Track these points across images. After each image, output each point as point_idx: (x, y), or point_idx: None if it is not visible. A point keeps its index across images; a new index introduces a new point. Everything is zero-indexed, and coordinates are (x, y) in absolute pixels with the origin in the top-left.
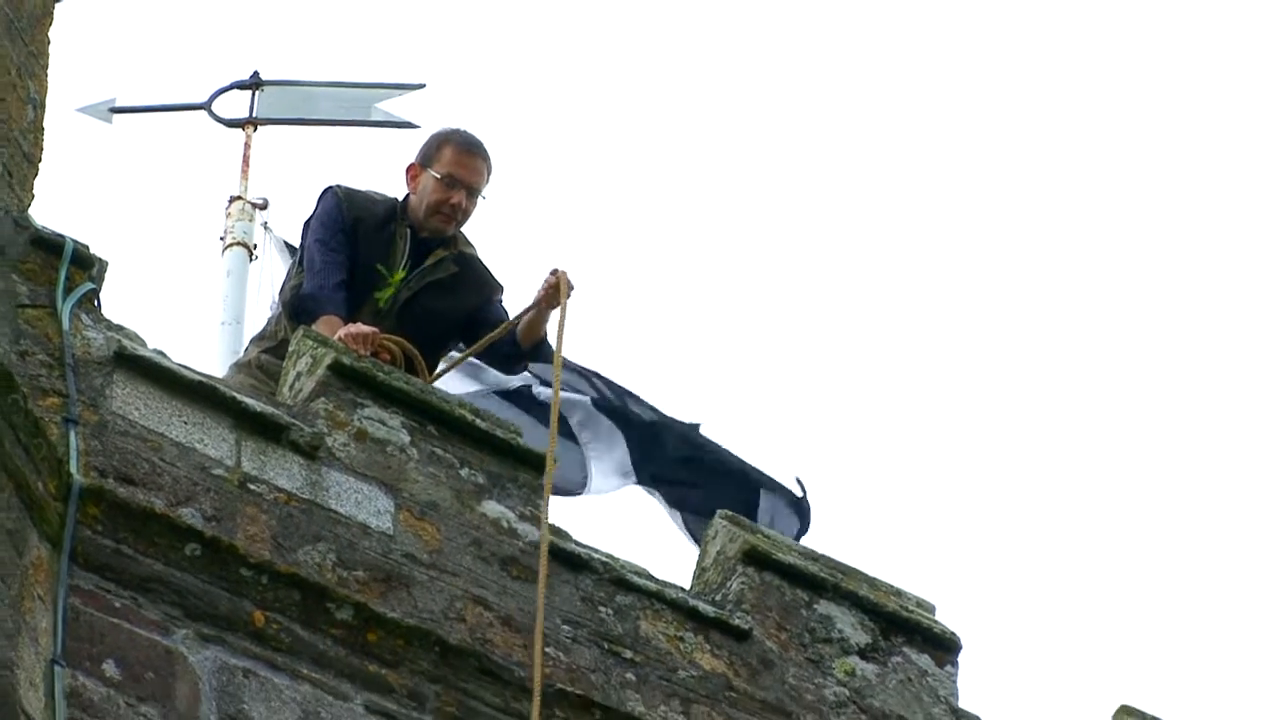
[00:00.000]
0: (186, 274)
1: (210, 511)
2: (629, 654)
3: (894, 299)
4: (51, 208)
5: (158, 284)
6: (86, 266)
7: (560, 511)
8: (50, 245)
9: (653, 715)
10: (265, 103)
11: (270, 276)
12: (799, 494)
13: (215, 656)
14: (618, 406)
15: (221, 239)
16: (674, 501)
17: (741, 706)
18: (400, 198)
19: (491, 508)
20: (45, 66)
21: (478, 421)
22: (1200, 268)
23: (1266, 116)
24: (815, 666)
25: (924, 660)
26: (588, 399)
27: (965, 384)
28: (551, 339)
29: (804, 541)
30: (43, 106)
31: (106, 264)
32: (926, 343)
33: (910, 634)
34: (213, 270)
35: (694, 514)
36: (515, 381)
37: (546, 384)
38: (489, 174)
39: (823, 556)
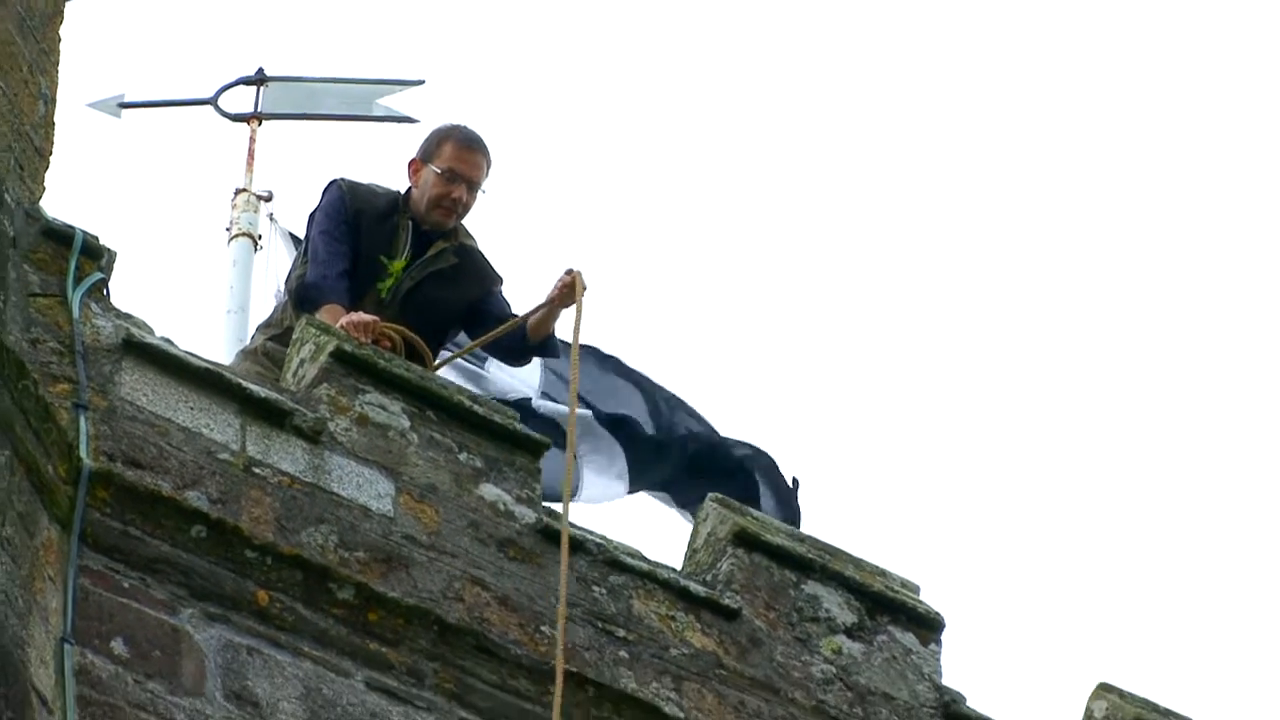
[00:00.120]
0: (193, 264)
1: (216, 494)
2: (622, 632)
3: (878, 285)
4: (62, 200)
5: (165, 274)
6: (96, 257)
7: None
8: (61, 236)
9: (645, 692)
10: (270, 98)
11: (274, 267)
12: (792, 487)
13: (220, 635)
14: (626, 418)
15: (227, 230)
16: (682, 502)
17: (731, 684)
18: (402, 191)
19: (489, 490)
20: (56, 63)
21: (476, 407)
22: (1192, 264)
23: (1266, 116)
24: (803, 645)
25: (908, 639)
26: (589, 413)
27: (948, 374)
28: (563, 336)
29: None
30: (54, 102)
31: (115, 254)
32: (911, 331)
33: (895, 613)
34: (218, 260)
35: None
36: (514, 394)
37: (548, 397)
38: (488, 168)
39: (810, 538)
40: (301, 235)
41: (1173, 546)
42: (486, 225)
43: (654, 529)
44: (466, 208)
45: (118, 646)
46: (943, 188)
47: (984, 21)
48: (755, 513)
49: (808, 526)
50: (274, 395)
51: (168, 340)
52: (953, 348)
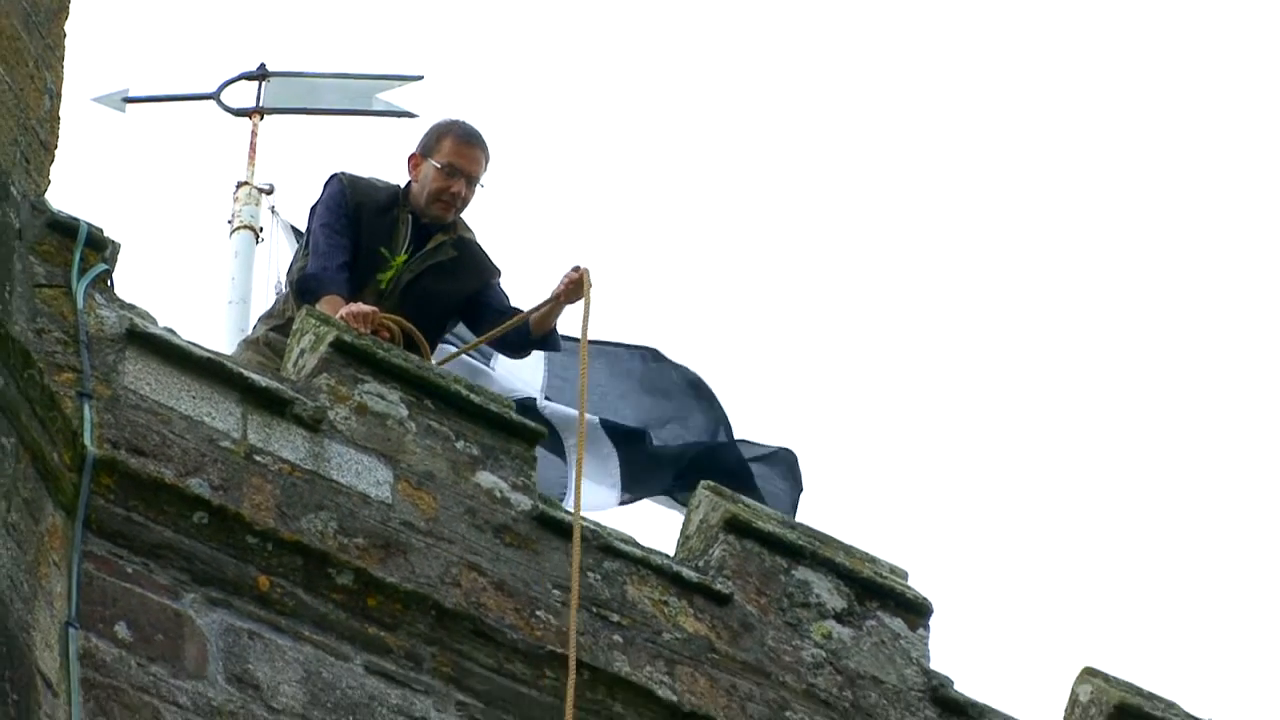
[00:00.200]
0: (195, 256)
1: (217, 481)
2: (616, 617)
3: (867, 274)
4: (67, 193)
5: (168, 265)
6: (100, 248)
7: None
8: (66, 228)
9: (638, 676)
10: (271, 93)
11: (275, 259)
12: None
13: (222, 619)
14: (632, 431)
15: (229, 222)
16: (681, 501)
17: (723, 667)
18: (402, 185)
19: (485, 478)
20: (61, 58)
21: (472, 396)
22: (1174, 253)
23: (1266, 116)
24: (793, 629)
25: (897, 624)
26: (594, 419)
27: (936, 367)
28: (567, 331)
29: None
30: (59, 96)
31: (119, 246)
32: (899, 320)
33: (884, 599)
34: (220, 252)
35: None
36: (518, 394)
37: (550, 400)
38: (487, 163)
39: (801, 525)
40: (302, 228)
41: (1156, 534)
42: (485, 219)
43: (647, 516)
44: (465, 202)
45: (121, 630)
46: (933, 179)
47: (984, 21)
48: (747, 500)
49: (799, 514)
50: (275, 384)
51: (170, 330)
52: (939, 336)
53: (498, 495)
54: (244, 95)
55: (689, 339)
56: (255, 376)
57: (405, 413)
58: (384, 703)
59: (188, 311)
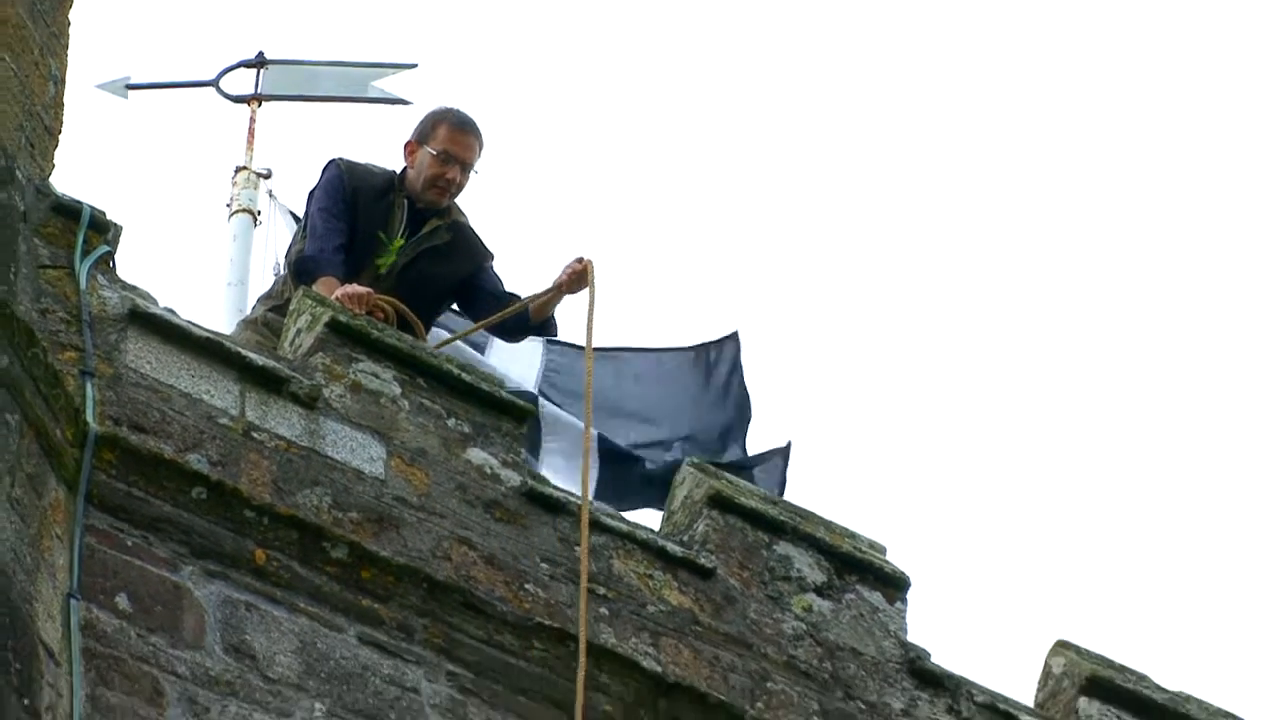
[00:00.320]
0: (195, 238)
1: (216, 457)
2: (602, 590)
3: (845, 256)
4: (71, 177)
5: (168, 247)
6: (103, 231)
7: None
8: (69, 211)
9: (624, 647)
10: (269, 80)
11: (273, 241)
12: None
13: (220, 591)
14: (623, 453)
15: (228, 206)
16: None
17: (706, 639)
18: (398, 170)
19: (476, 455)
20: (65, 46)
21: (464, 375)
22: (1158, 237)
23: (1266, 116)
24: (775, 603)
25: (875, 597)
26: (596, 433)
27: (915, 353)
28: (568, 331)
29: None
30: (63, 83)
31: (121, 228)
32: (879, 301)
33: (863, 573)
34: (219, 235)
35: None
36: (510, 385)
37: (545, 396)
38: (481, 150)
39: (782, 501)
40: (299, 212)
41: (1127, 511)
42: (478, 206)
43: None
44: (460, 187)
45: (122, 602)
46: (908, 163)
47: (984, 21)
48: (730, 476)
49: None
50: (272, 363)
51: (171, 311)
52: (916, 316)
53: (488, 471)
54: (243, 82)
55: (674, 320)
56: (253, 355)
57: (398, 391)
58: (377, 673)
59: (187, 292)
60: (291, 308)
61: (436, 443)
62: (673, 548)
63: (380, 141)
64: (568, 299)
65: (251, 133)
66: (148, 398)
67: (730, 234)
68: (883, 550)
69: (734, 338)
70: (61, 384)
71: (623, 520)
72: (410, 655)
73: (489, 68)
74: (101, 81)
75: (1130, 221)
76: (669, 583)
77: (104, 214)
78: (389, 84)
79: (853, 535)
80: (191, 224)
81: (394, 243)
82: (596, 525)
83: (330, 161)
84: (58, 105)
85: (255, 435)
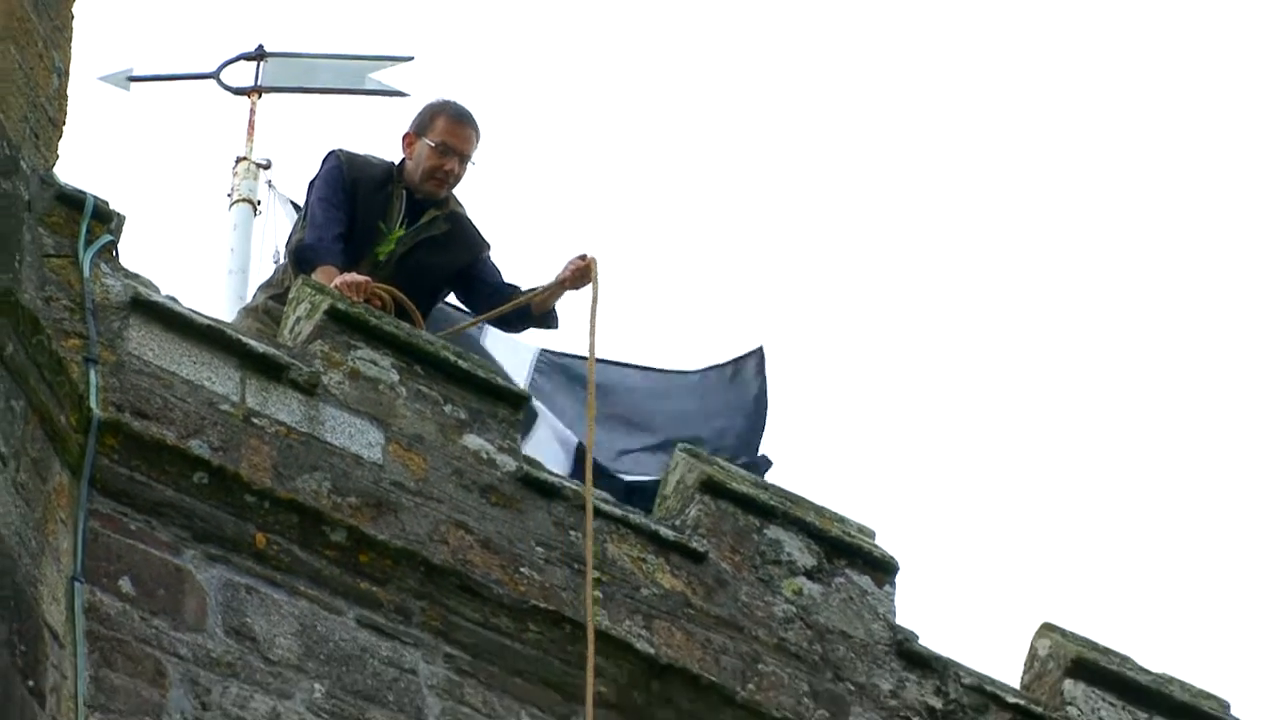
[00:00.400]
0: (196, 228)
1: (217, 443)
2: (597, 574)
3: (831, 240)
4: (74, 167)
5: (170, 236)
6: (106, 220)
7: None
8: (73, 201)
9: (618, 629)
10: (269, 72)
11: (272, 230)
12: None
13: (221, 574)
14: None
15: (228, 196)
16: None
17: (698, 622)
18: (396, 161)
19: (472, 440)
20: (69, 39)
21: (460, 362)
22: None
23: (1266, 116)
24: (765, 586)
25: (864, 581)
26: (575, 440)
27: (905, 339)
28: (570, 320)
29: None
30: (66, 75)
31: (124, 218)
32: (865, 289)
33: (852, 557)
34: (220, 224)
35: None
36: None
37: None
38: (478, 141)
39: (772, 486)
40: (298, 201)
41: (1111, 497)
42: (474, 197)
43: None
44: (457, 178)
45: (125, 585)
46: (895, 152)
47: (984, 21)
48: (722, 462)
49: (771, 475)
50: (272, 350)
51: (172, 299)
52: (904, 303)
53: (484, 457)
54: (243, 75)
55: (661, 304)
56: (253, 343)
57: (396, 378)
58: (375, 654)
59: (189, 281)
60: (291, 296)
61: (433, 428)
62: (665, 532)
63: (377, 132)
64: (568, 294)
65: (251, 124)
66: (150, 384)
67: (727, 229)
68: (872, 535)
69: (759, 353)
70: (66, 371)
71: (616, 505)
72: (408, 637)
73: (483, 60)
74: (104, 74)
75: (1113, 210)
76: (662, 566)
77: (107, 204)
78: (386, 76)
79: (842, 520)
80: (193, 213)
81: (394, 233)
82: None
83: (330, 152)
84: (62, 97)
85: (256, 421)
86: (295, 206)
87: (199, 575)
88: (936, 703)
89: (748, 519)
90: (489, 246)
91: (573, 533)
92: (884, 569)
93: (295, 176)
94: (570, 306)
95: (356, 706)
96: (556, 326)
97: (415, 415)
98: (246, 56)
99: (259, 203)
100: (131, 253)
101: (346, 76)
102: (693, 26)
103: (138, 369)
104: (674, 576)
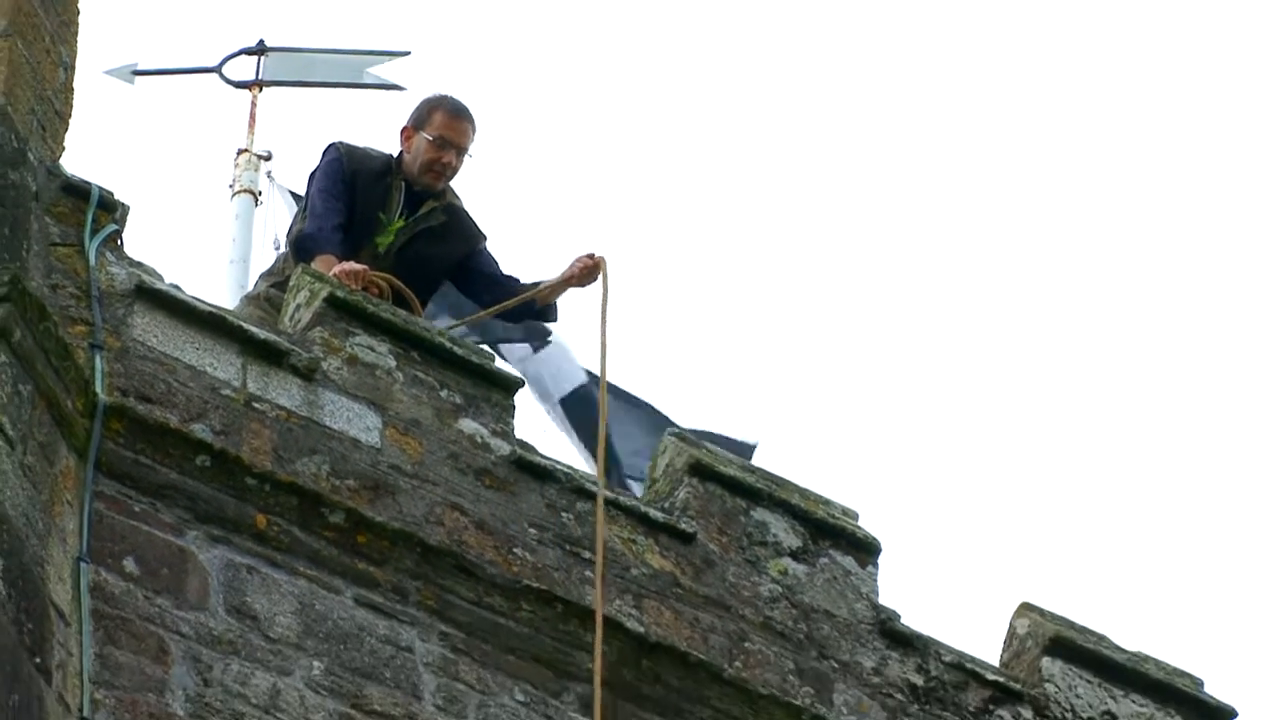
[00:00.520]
0: (199, 218)
1: (219, 427)
2: (587, 554)
3: (815, 231)
4: (80, 159)
5: (173, 226)
6: (111, 210)
7: (526, 428)
8: (79, 191)
9: (608, 608)
10: (269, 67)
11: (273, 220)
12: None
13: (223, 555)
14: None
15: (230, 187)
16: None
17: (687, 601)
18: (394, 154)
19: (467, 424)
20: (75, 34)
21: (455, 348)
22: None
23: (1266, 116)
24: (752, 566)
25: (848, 561)
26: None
27: (888, 329)
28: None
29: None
30: (73, 69)
31: (128, 208)
32: (849, 277)
33: (836, 538)
34: (222, 214)
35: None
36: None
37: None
38: (474, 135)
39: (759, 469)
40: (298, 192)
41: (1087, 479)
42: (469, 191)
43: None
44: (455, 171)
45: (129, 565)
46: (888, 150)
47: (984, 21)
48: (710, 446)
49: (757, 459)
50: (272, 337)
51: (176, 286)
52: (888, 291)
53: (479, 441)
54: (244, 69)
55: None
56: (254, 329)
57: (393, 363)
58: (372, 633)
59: (192, 269)
60: (291, 284)
61: (429, 413)
62: (655, 514)
63: (374, 125)
64: (571, 291)
65: (252, 117)
66: (154, 370)
67: (723, 224)
68: (855, 516)
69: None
70: (72, 356)
71: (608, 488)
72: (404, 616)
73: (478, 54)
74: (109, 68)
75: (1091, 196)
76: (651, 547)
77: (112, 194)
78: (383, 70)
79: (826, 502)
80: (195, 204)
81: (394, 224)
82: (581, 492)
83: (330, 145)
84: (68, 90)
85: (256, 406)
86: (295, 197)
87: (201, 555)
88: (918, 680)
89: (735, 501)
90: (485, 238)
91: (564, 514)
92: (867, 550)
93: (295, 168)
94: (572, 306)
95: (354, 683)
96: (555, 319)
97: (412, 400)
98: (248, 51)
99: (260, 193)
100: (136, 242)
101: (345, 71)
102: (690, 23)
103: (142, 355)
104: (663, 557)
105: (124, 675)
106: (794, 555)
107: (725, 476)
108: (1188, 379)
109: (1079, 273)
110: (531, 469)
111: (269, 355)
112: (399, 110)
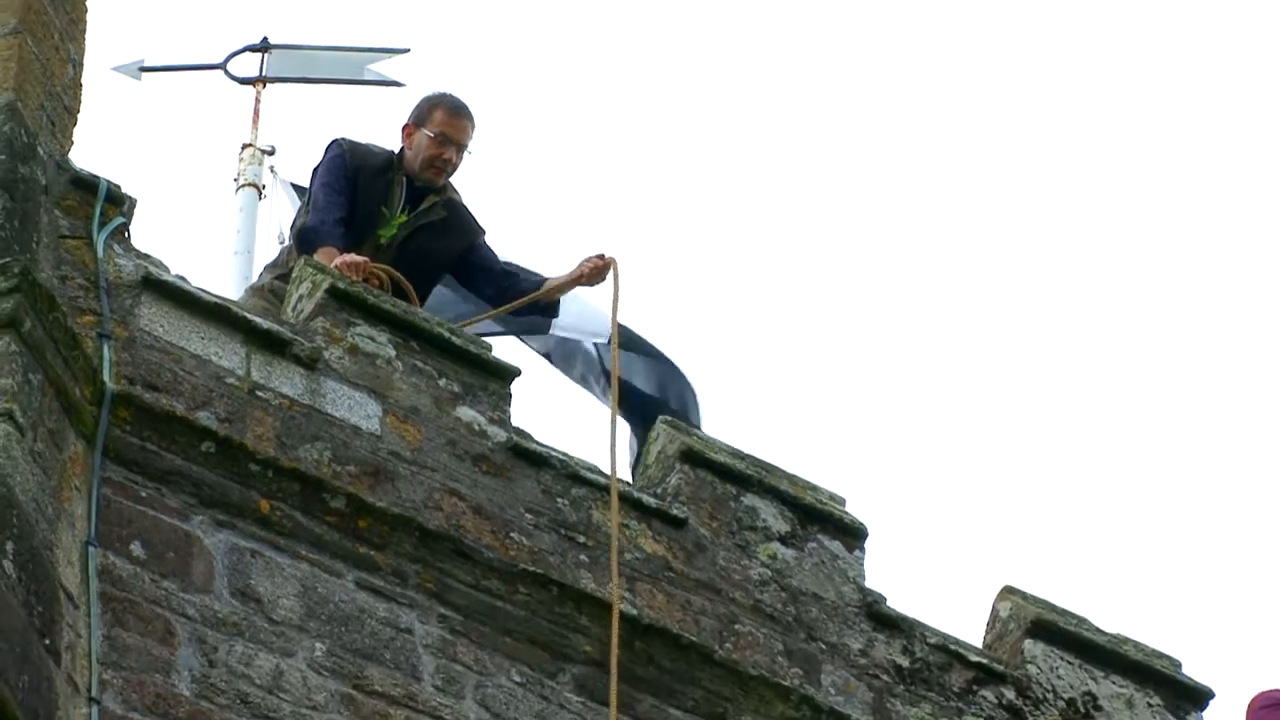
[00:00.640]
0: (204, 211)
1: (224, 414)
2: (582, 539)
3: (807, 224)
4: (88, 153)
5: (180, 219)
6: (118, 203)
7: (522, 415)
8: (87, 185)
9: (602, 592)
10: (273, 63)
11: (276, 213)
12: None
13: (227, 539)
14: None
15: (234, 181)
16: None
17: (679, 585)
18: (396, 150)
19: (465, 412)
20: (83, 31)
21: (454, 338)
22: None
23: (1267, 116)
24: (742, 551)
25: (836, 546)
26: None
27: (876, 317)
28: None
29: (733, 443)
30: (81, 66)
31: (135, 201)
32: (838, 266)
33: (824, 523)
34: (227, 208)
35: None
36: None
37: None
38: (474, 131)
39: (749, 456)
40: (301, 186)
41: (1069, 465)
42: (467, 186)
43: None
44: (455, 167)
45: (136, 549)
46: (879, 150)
47: (984, 22)
48: (701, 433)
49: (746, 445)
50: (275, 327)
51: (182, 278)
52: (878, 280)
53: (476, 428)
54: (248, 65)
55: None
56: (257, 319)
57: (393, 353)
58: (373, 615)
59: (197, 261)
60: (294, 275)
61: (428, 401)
62: (647, 499)
63: (375, 120)
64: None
65: (256, 112)
66: (160, 359)
67: (712, 214)
68: (842, 502)
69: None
70: (80, 346)
71: (602, 474)
72: (404, 599)
73: (475, 51)
74: (117, 64)
75: (1078, 187)
76: (644, 532)
77: (120, 188)
78: (384, 67)
79: (814, 488)
80: (201, 197)
81: (396, 217)
82: (576, 478)
83: (333, 141)
84: (76, 86)
85: (260, 394)
86: (298, 191)
87: (206, 540)
88: (904, 661)
89: (725, 487)
90: (484, 232)
91: (560, 500)
92: (854, 534)
93: (298, 162)
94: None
95: (355, 664)
96: (556, 315)
97: (411, 388)
98: (252, 48)
99: (263, 187)
100: (143, 234)
101: (346, 67)
102: (689, 21)
103: (149, 344)
104: (655, 541)
105: (131, 656)
106: (783, 540)
107: (716, 463)
108: (1167, 365)
109: (1058, 259)
110: (528, 455)
111: (272, 345)
112: (399, 106)
